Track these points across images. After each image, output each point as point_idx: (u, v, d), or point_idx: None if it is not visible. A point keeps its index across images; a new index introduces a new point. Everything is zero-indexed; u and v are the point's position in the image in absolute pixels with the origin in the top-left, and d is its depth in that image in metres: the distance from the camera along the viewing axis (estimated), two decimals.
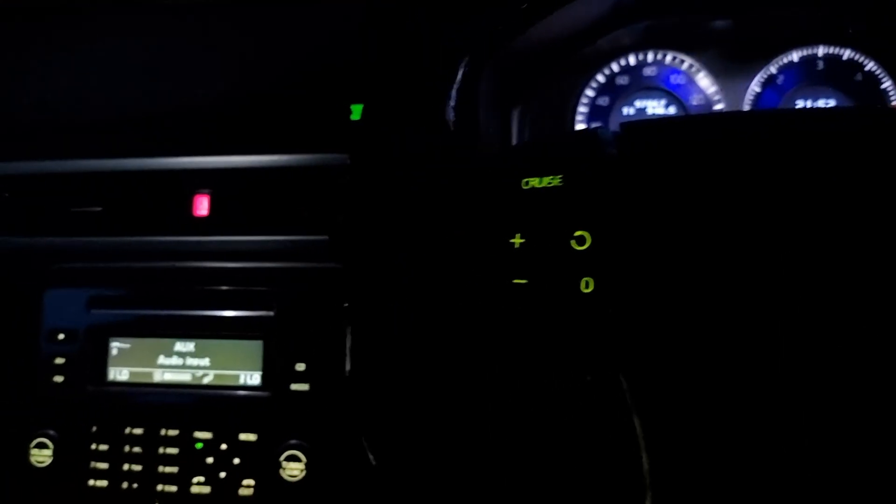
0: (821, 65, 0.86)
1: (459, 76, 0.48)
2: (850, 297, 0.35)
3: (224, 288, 0.78)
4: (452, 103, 0.46)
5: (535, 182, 0.40)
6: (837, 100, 0.86)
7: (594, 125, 0.89)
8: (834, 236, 0.35)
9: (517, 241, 0.39)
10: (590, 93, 0.88)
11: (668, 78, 0.88)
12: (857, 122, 0.38)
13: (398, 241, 0.42)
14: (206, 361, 0.78)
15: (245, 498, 0.74)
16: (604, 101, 0.88)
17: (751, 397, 0.37)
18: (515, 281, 0.39)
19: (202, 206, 0.81)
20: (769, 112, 0.39)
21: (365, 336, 0.43)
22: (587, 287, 0.38)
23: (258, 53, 0.82)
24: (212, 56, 0.83)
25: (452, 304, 0.41)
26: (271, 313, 0.76)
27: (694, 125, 0.43)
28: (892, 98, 0.84)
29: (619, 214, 0.38)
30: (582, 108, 0.88)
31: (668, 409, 0.38)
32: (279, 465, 0.73)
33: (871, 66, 0.84)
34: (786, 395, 0.36)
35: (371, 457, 0.44)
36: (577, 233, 0.38)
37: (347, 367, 0.42)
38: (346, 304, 0.42)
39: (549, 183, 0.39)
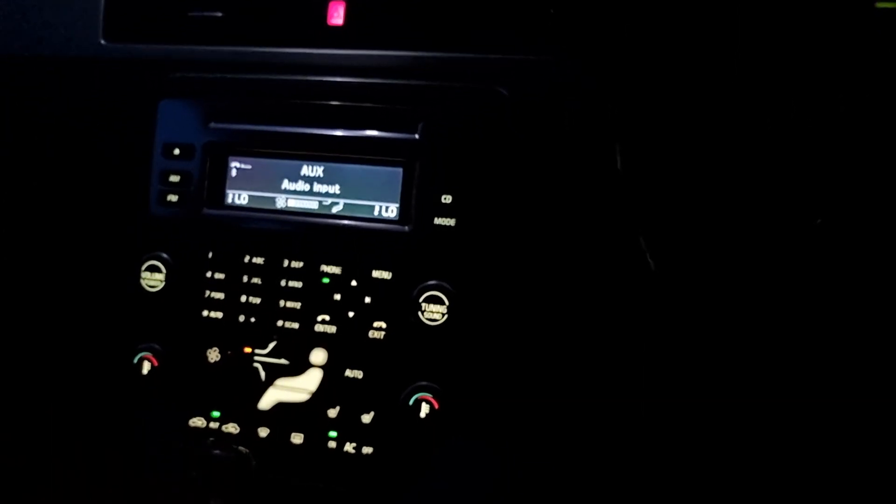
0: None
1: None
2: None
3: (360, 105, 0.68)
4: None
5: None
6: None
7: None
8: None
9: None
10: None
11: None
12: None
13: None
14: (335, 188, 0.69)
15: (375, 341, 0.66)
16: None
17: None
18: None
19: (337, 13, 0.70)
20: None
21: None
22: None
23: None
24: None
25: None
26: (415, 136, 0.66)
27: None
28: None
29: None
30: None
31: None
32: (418, 307, 0.64)
33: None
34: None
35: (650, 260, 0.35)
36: None
37: (618, 164, 0.33)
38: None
39: None
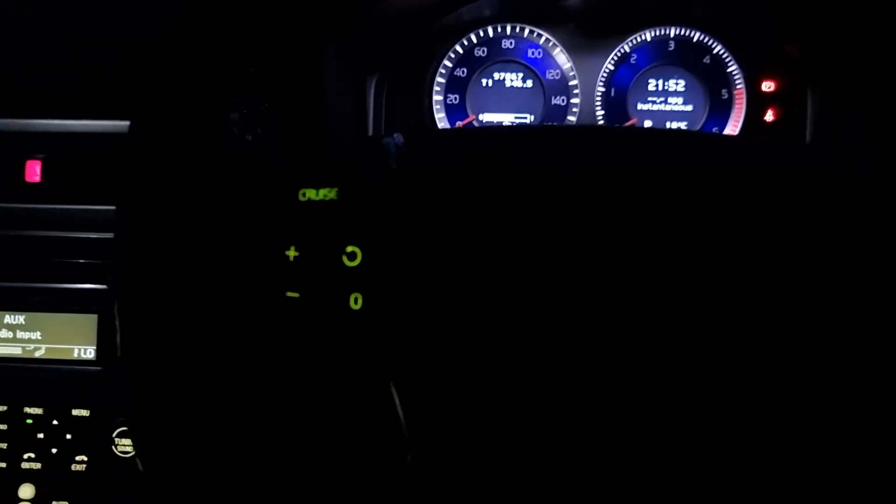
0: (672, 45, 0.87)
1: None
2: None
3: (56, 260, 0.75)
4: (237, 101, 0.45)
5: (311, 194, 0.39)
6: (687, 81, 0.88)
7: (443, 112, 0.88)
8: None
9: (292, 253, 0.39)
10: (448, 63, 0.88)
11: (525, 51, 0.88)
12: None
13: (175, 240, 0.41)
14: (37, 335, 0.75)
15: (77, 473, 0.73)
16: (462, 72, 0.88)
17: (518, 407, 0.39)
18: (289, 294, 0.39)
19: (34, 171, 0.76)
20: (577, 129, 0.39)
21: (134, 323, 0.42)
22: (356, 303, 0.38)
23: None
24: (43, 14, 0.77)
25: (226, 310, 0.40)
26: (104, 287, 0.74)
27: (485, 139, 0.43)
28: (737, 81, 0.87)
29: (389, 231, 0.38)
30: (440, 79, 0.88)
31: (438, 417, 0.39)
32: (112, 442, 0.72)
33: (718, 48, 0.86)
34: (546, 404, 0.38)
35: (139, 462, 0.43)
36: (349, 248, 0.38)
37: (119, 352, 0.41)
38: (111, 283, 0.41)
39: (326, 196, 0.39)
